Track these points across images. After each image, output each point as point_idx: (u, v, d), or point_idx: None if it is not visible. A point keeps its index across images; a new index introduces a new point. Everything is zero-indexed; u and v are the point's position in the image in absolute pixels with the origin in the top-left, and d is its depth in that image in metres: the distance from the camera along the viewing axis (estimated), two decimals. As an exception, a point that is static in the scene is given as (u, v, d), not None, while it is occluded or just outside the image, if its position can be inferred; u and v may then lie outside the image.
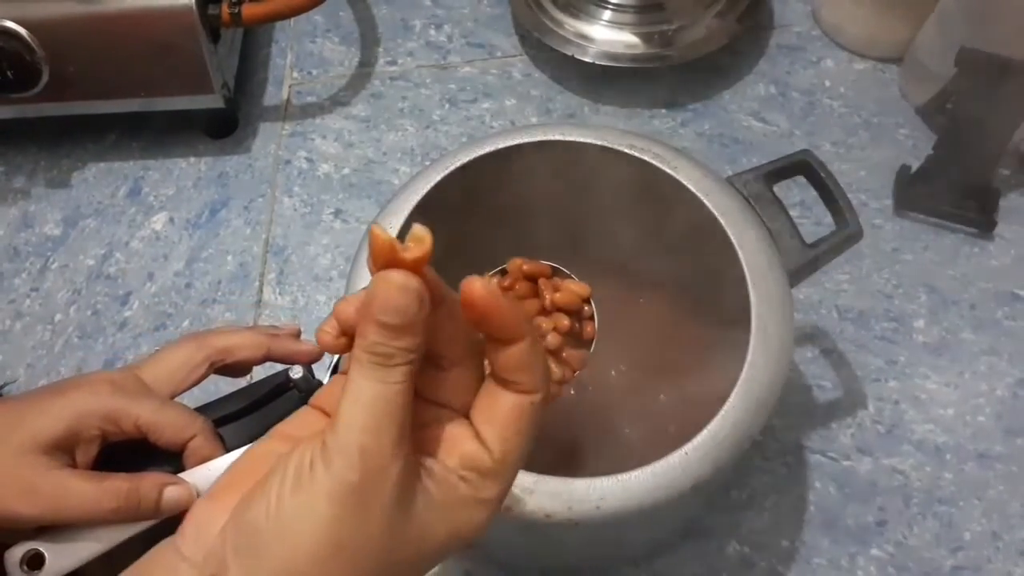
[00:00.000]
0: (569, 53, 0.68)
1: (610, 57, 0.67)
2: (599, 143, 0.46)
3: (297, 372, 0.40)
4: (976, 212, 0.61)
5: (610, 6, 0.69)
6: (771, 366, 0.39)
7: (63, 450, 0.35)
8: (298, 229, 0.64)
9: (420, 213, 0.44)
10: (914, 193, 0.61)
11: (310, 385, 0.41)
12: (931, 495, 0.51)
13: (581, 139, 0.46)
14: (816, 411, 0.54)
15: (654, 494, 0.36)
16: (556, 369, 0.40)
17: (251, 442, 0.38)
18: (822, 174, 0.46)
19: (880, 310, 0.58)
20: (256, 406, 0.40)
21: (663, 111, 0.68)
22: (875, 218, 0.62)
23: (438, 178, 0.44)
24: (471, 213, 0.48)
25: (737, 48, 0.70)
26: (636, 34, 0.68)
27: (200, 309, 0.61)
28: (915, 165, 0.62)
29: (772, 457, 0.53)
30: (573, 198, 0.48)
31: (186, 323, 0.60)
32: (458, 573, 0.50)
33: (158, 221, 0.65)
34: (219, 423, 0.39)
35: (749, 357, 0.39)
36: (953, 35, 0.59)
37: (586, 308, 0.42)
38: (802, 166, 0.47)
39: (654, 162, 0.45)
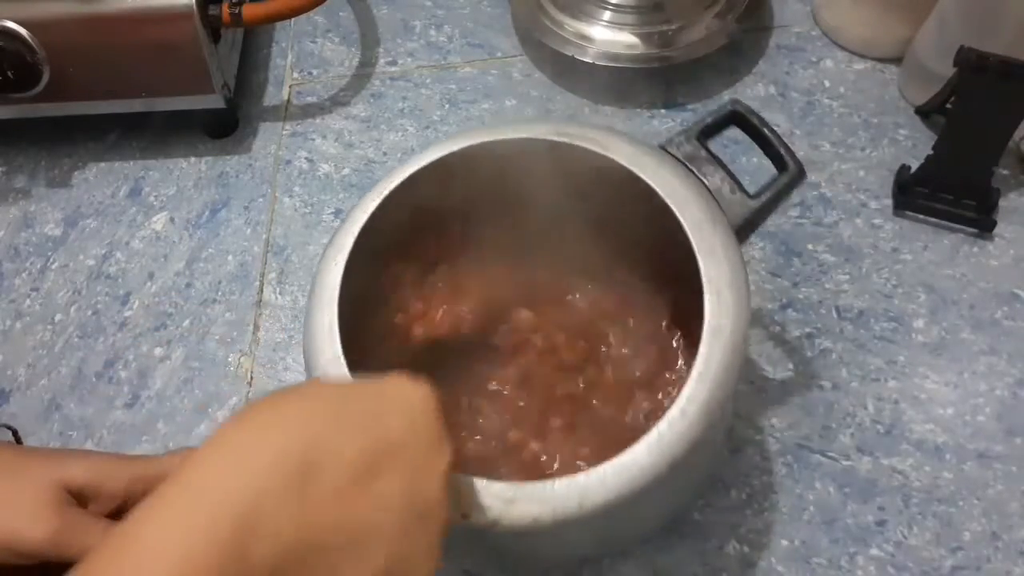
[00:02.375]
0: (569, 53, 0.68)
1: (610, 57, 0.68)
2: (527, 136, 0.45)
3: None
4: (975, 212, 0.61)
5: (610, 6, 0.69)
6: (730, 328, 0.39)
7: (83, 497, 0.36)
8: (298, 229, 0.64)
9: (364, 239, 0.44)
10: (913, 193, 0.62)
11: None
12: (931, 495, 0.51)
13: (510, 136, 0.45)
14: (816, 411, 0.54)
15: (633, 482, 0.36)
16: None
17: None
18: (754, 121, 0.45)
19: (879, 310, 0.58)
20: None
21: (663, 111, 0.69)
22: (874, 218, 0.62)
23: (374, 206, 0.44)
24: (417, 237, 0.48)
25: (737, 48, 0.70)
26: (636, 34, 0.68)
27: (200, 309, 0.61)
28: (914, 165, 0.62)
29: (771, 457, 0.53)
30: (516, 196, 0.48)
31: (186, 323, 0.60)
32: (457, 572, 0.50)
33: (158, 221, 0.65)
34: None
35: (706, 323, 0.39)
36: (952, 35, 0.59)
37: None
38: (733, 116, 0.46)
39: (587, 146, 0.44)
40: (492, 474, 0.40)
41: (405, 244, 0.48)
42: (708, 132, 0.46)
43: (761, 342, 0.57)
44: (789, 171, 0.45)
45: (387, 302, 0.48)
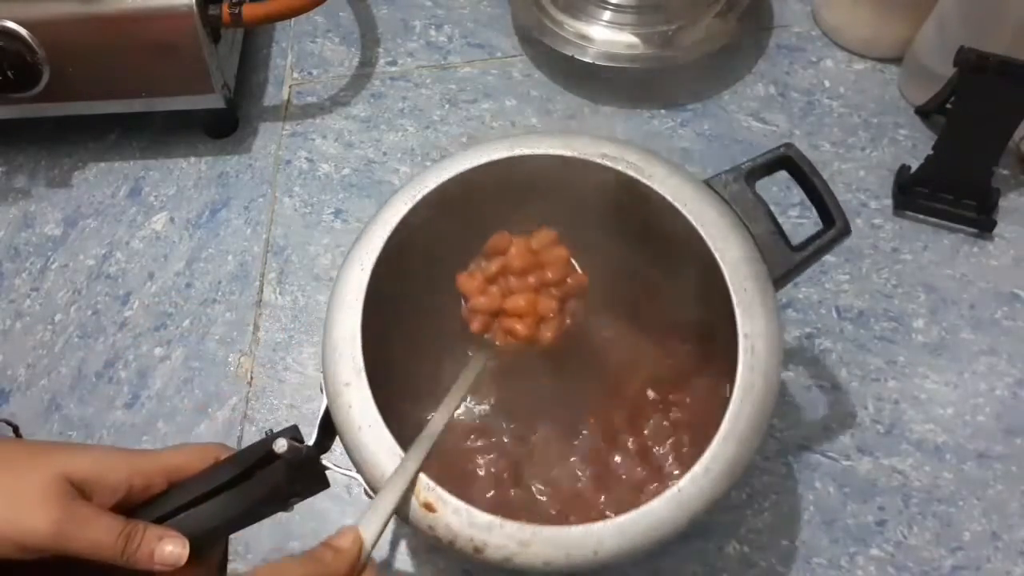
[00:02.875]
0: (569, 53, 0.68)
1: (610, 57, 0.67)
2: (569, 154, 0.44)
3: (281, 446, 0.38)
4: (975, 212, 0.61)
5: (610, 6, 0.69)
6: (761, 387, 0.38)
7: (85, 490, 0.36)
8: (298, 229, 0.64)
9: (391, 245, 0.43)
10: (913, 193, 0.62)
11: (299, 456, 0.39)
12: (930, 495, 0.51)
13: (551, 151, 0.44)
14: (816, 411, 0.54)
15: (650, 535, 0.36)
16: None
17: (246, 511, 0.38)
18: (805, 169, 0.44)
19: (879, 310, 0.58)
20: (240, 479, 0.39)
21: (663, 111, 0.69)
22: (874, 218, 0.62)
23: (406, 209, 0.43)
24: (445, 231, 0.46)
25: (737, 48, 0.70)
26: (636, 34, 0.68)
27: (201, 309, 0.61)
28: (914, 165, 0.62)
29: (772, 457, 0.53)
30: (547, 212, 0.46)
31: (186, 322, 0.60)
32: (457, 572, 0.50)
33: (158, 221, 0.65)
34: (204, 498, 0.38)
35: (738, 381, 0.38)
36: (952, 35, 0.59)
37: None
38: (784, 161, 0.44)
39: (628, 172, 0.43)
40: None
41: (426, 251, 0.46)
42: (756, 174, 0.44)
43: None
44: (836, 228, 0.43)
45: (410, 306, 0.47)
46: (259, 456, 0.39)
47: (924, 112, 0.66)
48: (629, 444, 0.48)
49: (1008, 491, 0.51)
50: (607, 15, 0.69)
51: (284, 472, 0.39)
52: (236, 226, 0.65)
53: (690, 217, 0.42)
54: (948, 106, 0.61)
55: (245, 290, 0.61)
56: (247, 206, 0.65)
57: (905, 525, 0.50)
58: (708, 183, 0.44)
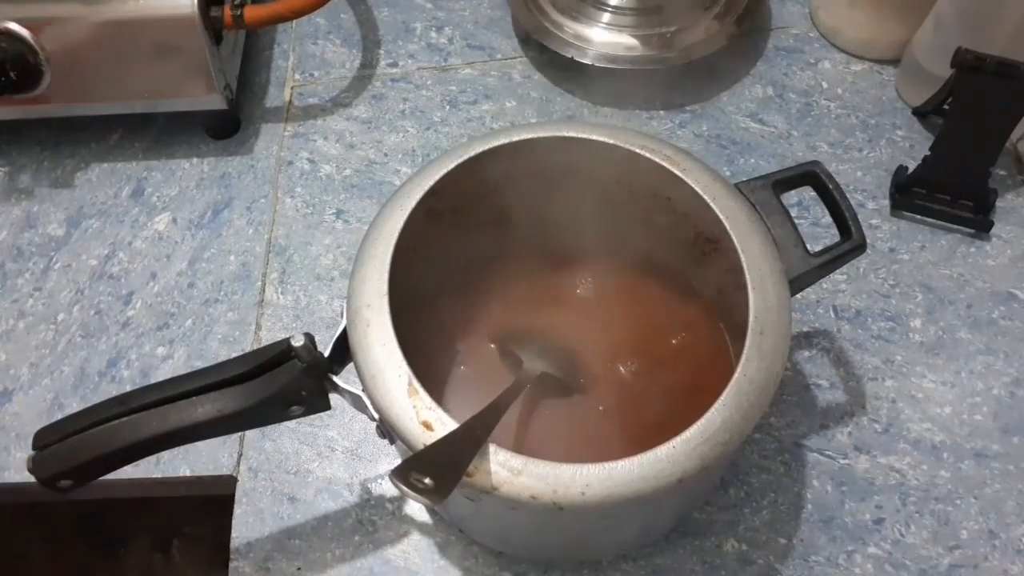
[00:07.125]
0: (568, 55, 0.68)
1: (609, 59, 0.68)
2: (612, 142, 0.46)
3: (299, 340, 0.40)
4: (972, 212, 0.61)
5: (609, 9, 0.70)
6: (764, 370, 0.40)
7: None
8: (300, 229, 0.64)
9: (422, 209, 0.44)
10: (911, 193, 0.62)
11: (312, 356, 0.41)
12: (928, 493, 0.52)
13: (594, 137, 0.47)
14: (814, 410, 0.55)
15: (639, 484, 0.36)
16: None
17: (249, 408, 0.40)
18: (830, 185, 0.47)
19: (877, 309, 0.58)
20: (257, 372, 0.41)
21: (661, 113, 0.69)
22: (872, 218, 0.62)
23: (442, 173, 0.45)
24: (475, 210, 0.49)
25: (735, 50, 0.71)
26: (635, 36, 0.69)
27: (203, 308, 0.61)
28: (912, 166, 0.62)
29: (770, 455, 0.53)
30: (577, 196, 0.49)
31: (188, 322, 0.60)
32: (457, 571, 0.50)
33: (161, 221, 0.65)
34: (218, 386, 0.40)
35: (744, 359, 0.40)
36: (949, 36, 0.60)
37: None
38: (810, 176, 0.48)
39: (664, 164, 0.45)
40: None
41: (460, 223, 0.49)
42: (783, 184, 0.47)
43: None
44: (852, 240, 0.46)
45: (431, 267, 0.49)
46: (275, 353, 0.41)
47: (921, 113, 0.66)
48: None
49: (1005, 490, 0.52)
50: (606, 17, 0.69)
51: (295, 373, 0.40)
52: (238, 226, 0.65)
53: (718, 211, 0.44)
54: (945, 107, 0.61)
55: (247, 290, 0.62)
56: (249, 206, 0.66)
57: (903, 523, 0.51)
58: (737, 186, 0.46)
